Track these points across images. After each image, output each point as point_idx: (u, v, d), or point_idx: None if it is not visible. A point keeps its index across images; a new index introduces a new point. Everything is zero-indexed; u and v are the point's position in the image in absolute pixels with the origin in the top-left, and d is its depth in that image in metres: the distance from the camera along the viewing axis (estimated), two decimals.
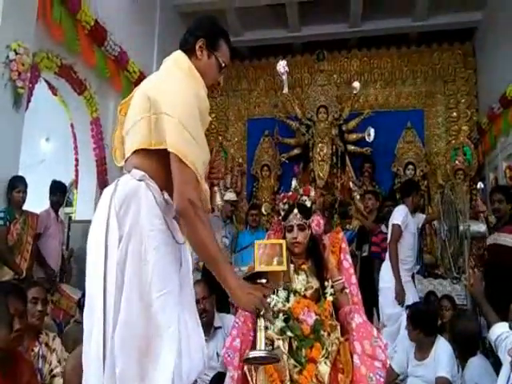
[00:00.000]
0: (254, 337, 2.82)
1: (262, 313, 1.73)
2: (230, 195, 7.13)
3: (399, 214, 5.09)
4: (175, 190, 1.71)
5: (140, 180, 1.77)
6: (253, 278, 1.83)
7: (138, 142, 1.80)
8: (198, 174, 1.72)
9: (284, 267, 1.90)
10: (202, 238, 1.70)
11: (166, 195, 1.79)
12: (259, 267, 1.85)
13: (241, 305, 1.74)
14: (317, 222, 3.05)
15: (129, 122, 1.90)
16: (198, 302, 2.93)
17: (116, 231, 1.71)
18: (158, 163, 1.76)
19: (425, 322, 3.75)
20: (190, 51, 1.97)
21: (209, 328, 3.38)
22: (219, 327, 3.47)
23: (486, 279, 4.39)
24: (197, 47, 1.96)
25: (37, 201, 5.39)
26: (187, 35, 2.01)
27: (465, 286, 5.55)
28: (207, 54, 1.97)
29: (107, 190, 1.84)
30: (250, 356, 1.77)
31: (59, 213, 5.73)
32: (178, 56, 1.98)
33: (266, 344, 2.64)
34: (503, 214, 4.70)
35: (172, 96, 1.78)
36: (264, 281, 1.81)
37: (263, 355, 1.74)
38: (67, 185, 6.10)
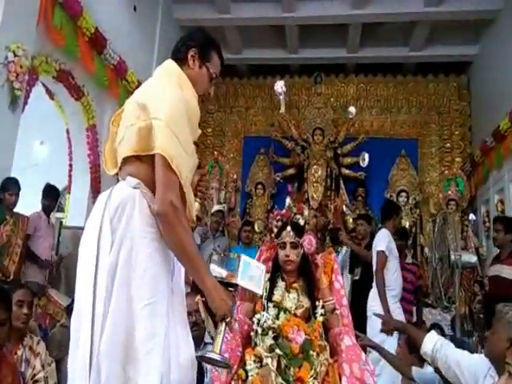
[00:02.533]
0: (243, 352, 2.79)
1: (227, 320, 1.79)
2: (215, 206, 7.17)
3: (382, 240, 4.96)
4: (157, 192, 1.71)
5: (135, 188, 1.77)
6: (224, 283, 1.89)
7: (130, 148, 1.80)
8: (181, 180, 1.72)
9: (260, 291, 2.05)
10: (181, 240, 1.71)
11: None
12: (240, 281, 1.92)
13: (212, 306, 1.77)
14: (309, 240, 3.04)
15: (121, 131, 1.90)
16: (189, 314, 2.88)
17: (108, 237, 1.71)
18: (153, 171, 1.75)
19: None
20: (181, 60, 1.99)
21: (199, 343, 3.28)
22: (210, 343, 3.40)
23: (485, 310, 4.36)
24: (189, 57, 1.98)
25: (28, 204, 5.33)
26: (179, 45, 2.03)
27: None
28: (199, 64, 2.00)
29: (102, 197, 1.85)
30: (206, 355, 1.80)
31: (50, 217, 5.67)
32: (168, 64, 2.00)
33: (254, 361, 2.65)
34: (501, 244, 4.76)
35: (159, 100, 1.79)
36: (232, 290, 1.92)
37: (217, 358, 1.78)
38: (60, 190, 6.03)
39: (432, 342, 2.59)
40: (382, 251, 4.89)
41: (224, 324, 1.80)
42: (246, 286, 1.94)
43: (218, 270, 1.91)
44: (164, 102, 1.78)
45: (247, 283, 1.94)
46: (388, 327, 3.02)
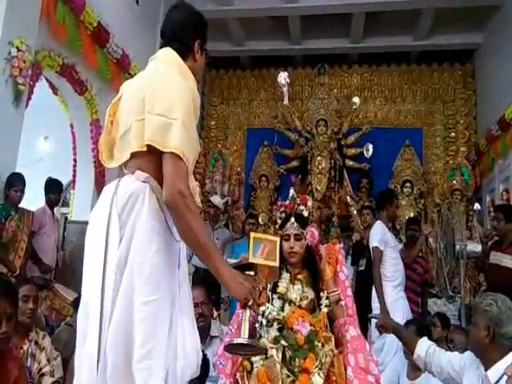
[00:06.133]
0: None
1: (250, 304, 1.76)
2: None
3: (375, 235, 4.95)
4: (165, 181, 1.69)
5: (144, 182, 1.75)
6: (241, 269, 1.85)
7: (140, 144, 1.76)
8: (188, 168, 1.72)
9: (276, 263, 1.95)
10: (191, 228, 1.68)
11: None
12: (252, 259, 1.87)
13: (231, 292, 1.74)
14: (311, 233, 3.03)
15: (123, 124, 1.86)
16: (196, 305, 2.89)
17: (117, 232, 1.69)
18: (161, 166, 1.73)
19: (430, 337, 3.73)
20: (184, 50, 1.96)
21: (205, 335, 3.27)
22: (216, 336, 3.39)
23: None
24: (195, 49, 1.97)
25: (32, 199, 5.35)
26: (181, 32, 1.98)
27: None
28: (200, 54, 2.00)
29: (108, 189, 1.81)
30: (234, 342, 1.81)
31: (55, 212, 5.69)
32: (167, 53, 1.96)
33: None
34: (502, 233, 4.73)
35: (170, 96, 1.76)
36: (252, 273, 1.85)
37: (245, 343, 1.77)
38: (64, 185, 6.05)
39: (426, 346, 2.64)
40: (377, 247, 4.88)
41: (248, 309, 1.78)
42: (260, 262, 1.89)
43: (231, 261, 1.89)
44: (174, 98, 1.75)
45: (260, 259, 1.90)
46: (384, 328, 3.05)
